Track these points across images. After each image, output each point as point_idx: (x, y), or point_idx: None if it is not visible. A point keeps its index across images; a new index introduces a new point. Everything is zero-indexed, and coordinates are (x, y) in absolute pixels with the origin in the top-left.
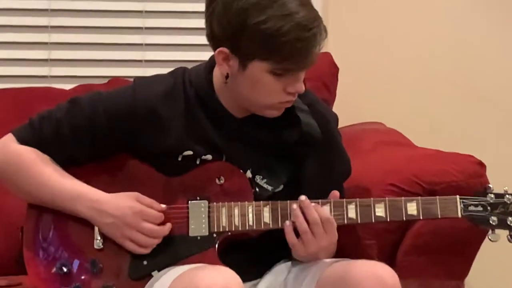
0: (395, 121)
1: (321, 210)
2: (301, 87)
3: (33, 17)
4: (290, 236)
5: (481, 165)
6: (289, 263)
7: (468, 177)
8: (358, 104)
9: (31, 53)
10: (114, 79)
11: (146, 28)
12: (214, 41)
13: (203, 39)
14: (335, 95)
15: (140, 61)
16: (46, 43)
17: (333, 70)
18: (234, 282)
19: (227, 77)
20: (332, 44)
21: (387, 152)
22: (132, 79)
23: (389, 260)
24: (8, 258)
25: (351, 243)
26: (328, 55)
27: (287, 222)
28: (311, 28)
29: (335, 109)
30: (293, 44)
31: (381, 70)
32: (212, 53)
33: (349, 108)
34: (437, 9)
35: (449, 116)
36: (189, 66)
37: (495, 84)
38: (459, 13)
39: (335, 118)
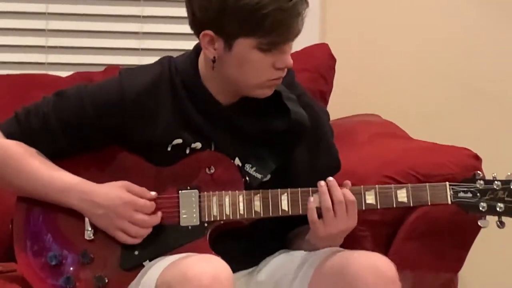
0: (391, 113)
1: (346, 192)
2: (290, 61)
3: (30, 3)
4: (312, 213)
5: (477, 158)
6: (288, 252)
7: (464, 170)
8: (355, 96)
9: (28, 39)
10: (111, 67)
11: (144, 16)
12: (197, 25)
13: None
14: (332, 87)
15: (137, 49)
16: (43, 30)
17: (330, 61)
18: (223, 271)
19: (214, 61)
20: (330, 36)
21: (383, 144)
22: (130, 68)
23: (384, 252)
24: (1, 246)
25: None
26: (325, 46)
27: (311, 198)
28: None
29: (332, 100)
30: (275, 16)
31: (378, 62)
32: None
33: (346, 100)
34: (435, 2)
35: (445, 108)
36: None
37: (492, 77)
38: (457, 6)
39: (326, 114)
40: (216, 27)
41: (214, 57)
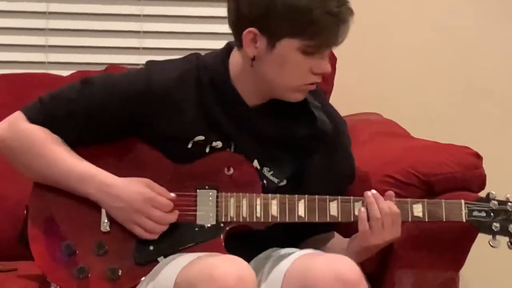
0: (392, 112)
1: (391, 203)
2: (328, 67)
3: (31, 2)
4: (364, 223)
5: (478, 156)
6: (269, 251)
7: (465, 168)
8: (356, 95)
9: (28, 39)
10: (111, 66)
11: (144, 15)
12: (241, 22)
13: (201, 28)
14: (333, 85)
15: (138, 48)
16: (43, 29)
17: (331, 60)
18: (247, 272)
19: (253, 59)
20: None
21: (383, 143)
22: (129, 67)
23: (385, 250)
24: (3, 244)
25: (347, 232)
26: None
27: (362, 209)
28: (341, 3)
29: (332, 99)
30: (324, 18)
31: (379, 60)
32: (216, 41)
33: (347, 99)
34: (436, 1)
35: (446, 107)
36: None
37: (492, 75)
38: (458, 5)
39: (345, 123)
40: (262, 25)
41: (254, 56)
